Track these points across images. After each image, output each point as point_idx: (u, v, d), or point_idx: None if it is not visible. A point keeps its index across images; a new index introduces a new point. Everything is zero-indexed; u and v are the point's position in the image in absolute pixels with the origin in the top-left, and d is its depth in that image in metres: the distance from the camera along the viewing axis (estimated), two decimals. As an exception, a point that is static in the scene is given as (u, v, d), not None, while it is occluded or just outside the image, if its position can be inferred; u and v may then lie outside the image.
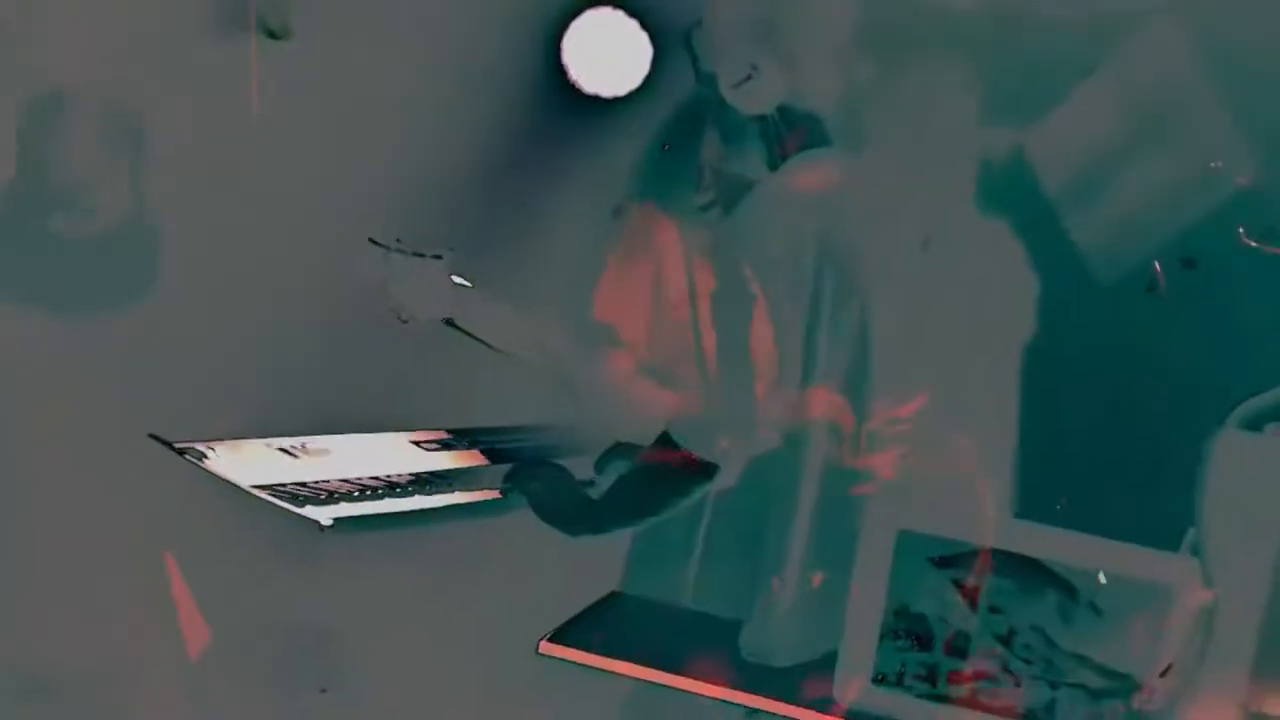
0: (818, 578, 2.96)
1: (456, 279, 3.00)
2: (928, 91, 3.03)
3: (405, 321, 2.97)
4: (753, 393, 2.90)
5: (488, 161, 3.24)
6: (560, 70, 3.17)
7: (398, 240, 2.95)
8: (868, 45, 2.98)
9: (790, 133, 3.00)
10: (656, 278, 2.94)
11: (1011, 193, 3.05)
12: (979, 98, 3.04)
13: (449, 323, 3.01)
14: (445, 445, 3.34)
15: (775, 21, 2.94)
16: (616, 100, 3.17)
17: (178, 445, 2.97)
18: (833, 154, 3.02)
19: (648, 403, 2.96)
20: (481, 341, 3.05)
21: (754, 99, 2.95)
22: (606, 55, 3.12)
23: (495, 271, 3.09)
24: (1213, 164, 2.97)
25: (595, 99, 3.17)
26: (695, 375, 2.92)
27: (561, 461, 3.14)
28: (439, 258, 2.96)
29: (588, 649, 2.96)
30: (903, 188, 2.98)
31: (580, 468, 3.17)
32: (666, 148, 3.06)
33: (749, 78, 2.93)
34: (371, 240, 2.95)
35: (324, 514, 2.97)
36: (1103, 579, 2.84)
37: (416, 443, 3.31)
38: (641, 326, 2.96)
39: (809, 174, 3.00)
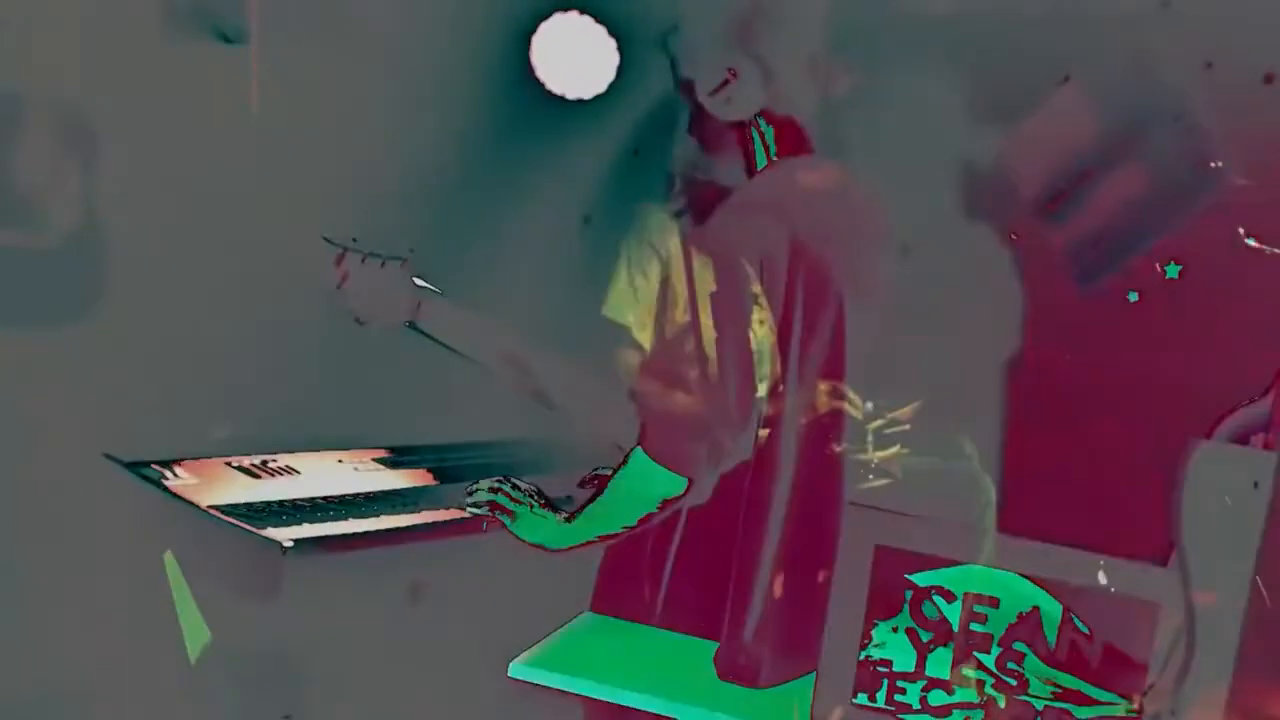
0: (791, 589, 2.91)
1: (419, 281, 2.92)
2: (909, 96, 3.00)
3: (363, 324, 2.89)
4: (747, 394, 2.85)
5: (454, 165, 3.20)
6: (529, 72, 3.13)
7: (354, 240, 2.87)
8: (847, 49, 2.94)
9: (769, 139, 2.94)
10: (665, 277, 2.87)
11: (994, 198, 3.01)
12: (963, 101, 3.01)
13: (412, 326, 2.94)
14: (412, 463, 3.33)
15: (754, 26, 2.89)
16: (585, 104, 3.13)
17: (134, 466, 2.95)
18: (811, 161, 2.97)
19: (626, 408, 2.88)
20: (446, 347, 2.97)
21: (732, 105, 2.90)
22: (575, 58, 3.08)
23: (460, 277, 3.04)
24: (1213, 164, 2.95)
25: (563, 102, 3.13)
26: (697, 376, 2.85)
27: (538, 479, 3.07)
28: (399, 259, 2.89)
29: (559, 671, 2.89)
30: (883, 194, 2.95)
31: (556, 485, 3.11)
32: (637, 154, 2.99)
33: (726, 83, 2.87)
34: (325, 239, 2.87)
35: (285, 535, 2.93)
36: (1103, 579, 2.82)
37: (382, 460, 3.29)
38: (648, 326, 2.88)
39: (786, 180, 2.95)
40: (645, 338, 2.84)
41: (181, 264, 3.12)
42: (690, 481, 2.85)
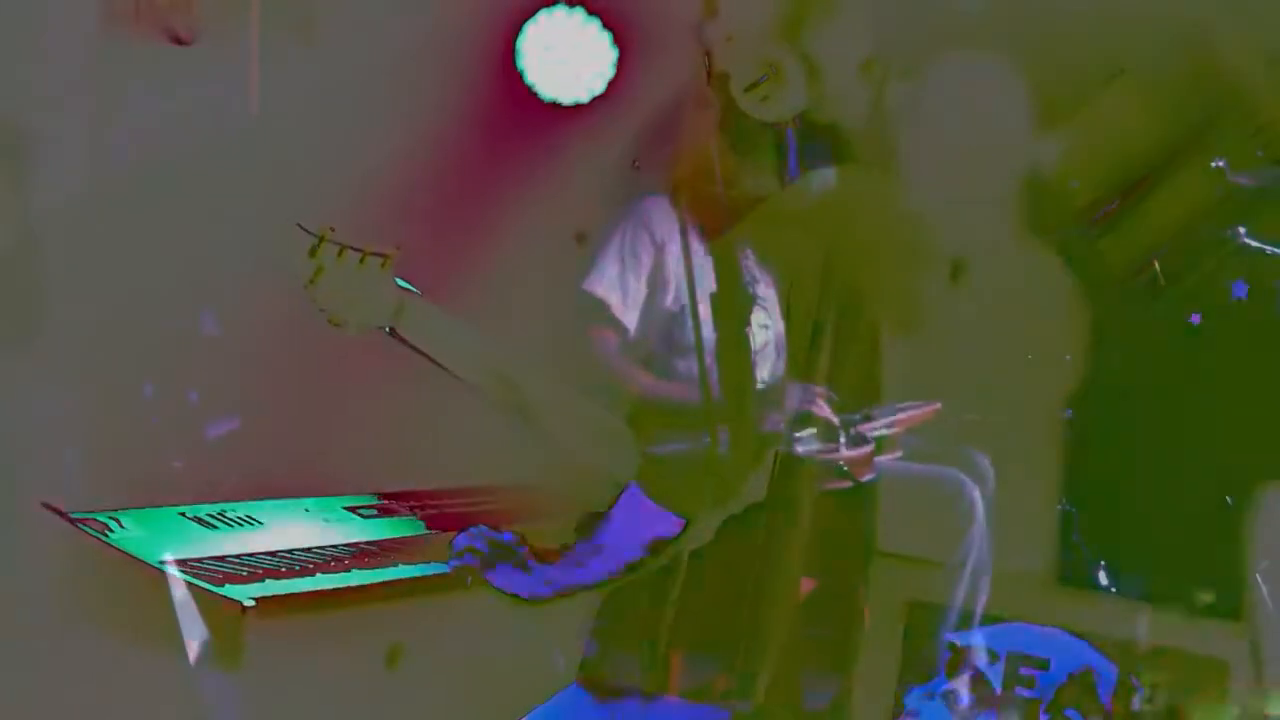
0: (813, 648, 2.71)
1: (402, 282, 2.69)
2: (963, 100, 2.88)
3: (336, 326, 2.64)
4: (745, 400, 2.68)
5: (438, 175, 3.03)
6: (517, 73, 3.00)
7: (331, 229, 2.62)
8: (897, 50, 2.77)
9: (808, 144, 2.76)
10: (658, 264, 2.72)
11: (1056, 214, 2.92)
12: (1025, 110, 2.90)
13: (390, 332, 2.67)
14: (386, 511, 3.13)
15: (800, 18, 2.70)
16: (580, 108, 3.01)
17: (75, 517, 2.72)
18: (854, 172, 2.78)
19: (622, 433, 2.71)
20: (426, 357, 2.72)
21: (770, 105, 2.68)
22: (566, 58, 2.96)
23: (443, 302, 2.82)
24: (1213, 164, 2.89)
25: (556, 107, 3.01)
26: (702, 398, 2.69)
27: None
28: (382, 255, 2.64)
29: None
30: (932, 208, 2.79)
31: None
32: (637, 166, 2.77)
33: (765, 79, 2.66)
34: (300, 227, 2.63)
35: (247, 593, 2.71)
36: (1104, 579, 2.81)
37: (352, 509, 3.10)
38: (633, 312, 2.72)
39: (823, 193, 2.75)
40: (629, 319, 2.66)
41: (127, 282, 2.95)
42: (688, 523, 2.66)
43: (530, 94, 2.99)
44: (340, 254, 2.60)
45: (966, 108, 2.89)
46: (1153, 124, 2.89)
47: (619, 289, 2.65)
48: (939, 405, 2.69)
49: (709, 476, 2.62)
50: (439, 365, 2.69)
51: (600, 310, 2.66)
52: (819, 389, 2.61)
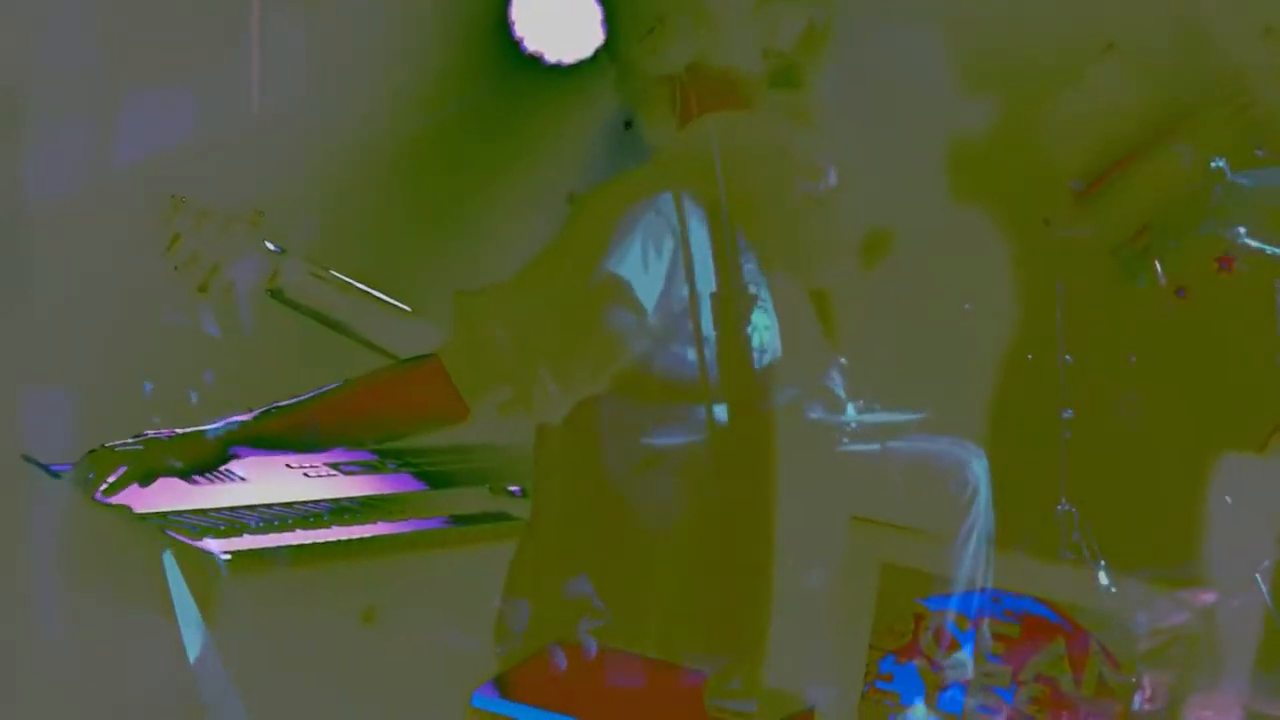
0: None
1: (271, 245, 2.69)
2: (889, 54, 2.83)
3: (204, 293, 2.61)
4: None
5: (422, 138, 3.01)
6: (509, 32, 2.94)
7: (184, 199, 2.60)
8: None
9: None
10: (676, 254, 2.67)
11: (992, 178, 2.87)
12: (955, 63, 2.86)
13: (274, 295, 2.68)
14: (369, 468, 3.10)
15: None
16: (569, 68, 2.96)
17: (55, 469, 2.71)
18: (744, 117, 2.72)
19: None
20: (318, 318, 2.71)
21: (659, 56, 2.66)
22: (558, 15, 2.90)
23: (430, 268, 2.82)
24: (1213, 164, 2.89)
25: (546, 65, 2.96)
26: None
27: None
28: (243, 219, 2.61)
29: (530, 702, 2.64)
30: (852, 167, 2.75)
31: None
32: (629, 125, 2.75)
33: (652, 31, 2.64)
34: (170, 197, 2.59)
35: (223, 547, 2.71)
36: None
37: (335, 465, 3.07)
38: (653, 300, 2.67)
39: (705, 139, 2.68)
40: (648, 301, 2.60)
41: (113, 255, 2.94)
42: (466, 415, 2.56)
43: (523, 53, 2.96)
44: (198, 221, 2.58)
45: (891, 67, 2.85)
46: (1141, 98, 2.90)
47: (641, 270, 2.59)
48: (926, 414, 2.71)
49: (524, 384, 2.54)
50: (331, 326, 2.66)
51: (621, 289, 2.59)
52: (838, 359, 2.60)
